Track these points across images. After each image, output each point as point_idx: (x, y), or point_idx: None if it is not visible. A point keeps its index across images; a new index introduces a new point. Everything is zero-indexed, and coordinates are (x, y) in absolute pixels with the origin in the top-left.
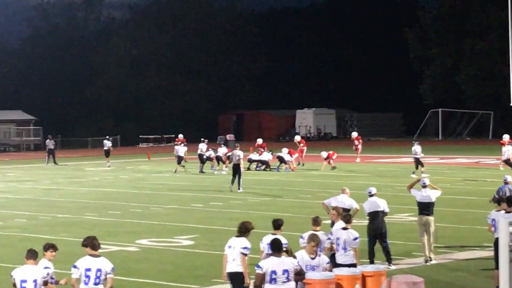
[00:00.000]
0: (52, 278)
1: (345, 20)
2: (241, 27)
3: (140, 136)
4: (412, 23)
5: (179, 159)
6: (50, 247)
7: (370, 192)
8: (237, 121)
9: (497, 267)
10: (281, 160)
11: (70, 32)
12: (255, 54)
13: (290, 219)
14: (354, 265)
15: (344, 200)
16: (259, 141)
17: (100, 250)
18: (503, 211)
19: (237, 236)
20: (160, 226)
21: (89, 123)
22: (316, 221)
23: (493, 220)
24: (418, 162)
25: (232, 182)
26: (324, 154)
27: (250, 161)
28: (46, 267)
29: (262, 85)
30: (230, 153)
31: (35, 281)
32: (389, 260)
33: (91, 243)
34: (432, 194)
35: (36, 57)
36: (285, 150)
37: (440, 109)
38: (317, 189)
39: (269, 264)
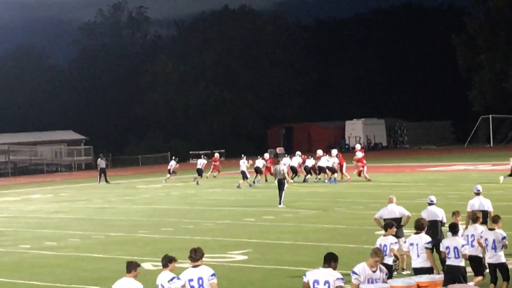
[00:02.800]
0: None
1: (391, 29)
2: (287, 40)
3: (190, 152)
4: (460, 30)
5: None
6: (170, 260)
7: (431, 201)
8: (287, 134)
9: None
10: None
11: (117, 51)
12: (302, 67)
13: (343, 231)
14: (504, 264)
15: (394, 209)
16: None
17: (153, 268)
18: None
19: (416, 233)
20: (213, 241)
21: (139, 140)
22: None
23: None
24: None
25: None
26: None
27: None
28: (173, 278)
29: (311, 97)
30: (273, 168)
31: None
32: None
33: (189, 256)
34: (486, 203)
35: (85, 76)
36: (324, 158)
37: (490, 116)
38: (369, 199)
39: (313, 274)
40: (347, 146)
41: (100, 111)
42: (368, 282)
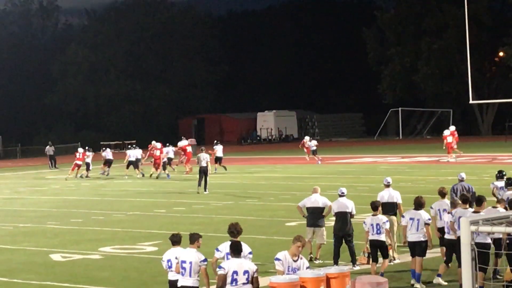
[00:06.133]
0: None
1: (303, 22)
2: (200, 31)
3: (101, 143)
4: (370, 24)
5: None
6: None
7: (342, 193)
8: (198, 125)
9: (460, 265)
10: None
11: (27, 39)
12: (214, 58)
13: (253, 222)
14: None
15: (318, 199)
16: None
17: (62, 259)
18: (470, 209)
19: (415, 209)
20: (123, 233)
21: (49, 131)
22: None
23: (459, 218)
24: None
25: (199, 184)
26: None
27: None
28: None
29: (223, 89)
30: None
31: (190, 262)
32: (353, 261)
33: (229, 230)
34: (395, 195)
35: None
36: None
37: (399, 108)
38: (280, 191)
39: (230, 265)
40: (258, 138)
41: (9, 100)
42: (289, 271)
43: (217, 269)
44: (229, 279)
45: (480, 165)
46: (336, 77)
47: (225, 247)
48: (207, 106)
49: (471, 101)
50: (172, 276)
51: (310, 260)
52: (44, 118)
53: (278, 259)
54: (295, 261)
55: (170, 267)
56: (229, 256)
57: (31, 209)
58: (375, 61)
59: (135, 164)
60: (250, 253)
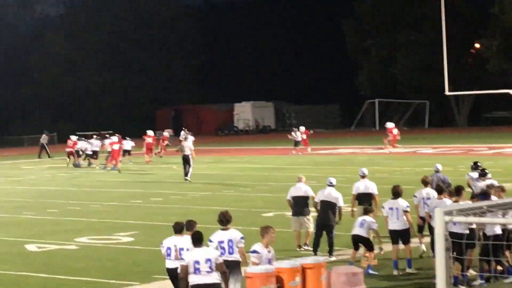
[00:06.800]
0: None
1: (281, 12)
2: (177, 22)
3: (77, 133)
4: (349, 14)
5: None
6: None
7: (330, 183)
8: (176, 116)
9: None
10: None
11: (3, 29)
12: (192, 48)
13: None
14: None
15: (301, 187)
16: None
17: (37, 249)
18: (444, 200)
19: (393, 199)
20: (100, 223)
21: (25, 121)
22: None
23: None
24: None
25: (185, 173)
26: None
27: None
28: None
29: (200, 79)
30: (179, 145)
31: (188, 249)
32: (330, 251)
33: (218, 219)
34: (371, 186)
35: None
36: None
37: (376, 100)
38: (256, 182)
39: (191, 256)
40: (235, 129)
41: None
42: (265, 263)
43: (179, 260)
44: (191, 269)
45: (456, 156)
46: (314, 68)
47: (215, 237)
48: (185, 96)
49: (447, 93)
50: (170, 264)
51: (299, 247)
52: (20, 108)
53: (256, 252)
54: (268, 252)
55: (168, 254)
56: (222, 245)
57: (7, 199)
58: (353, 52)
59: (96, 154)
60: (242, 238)
